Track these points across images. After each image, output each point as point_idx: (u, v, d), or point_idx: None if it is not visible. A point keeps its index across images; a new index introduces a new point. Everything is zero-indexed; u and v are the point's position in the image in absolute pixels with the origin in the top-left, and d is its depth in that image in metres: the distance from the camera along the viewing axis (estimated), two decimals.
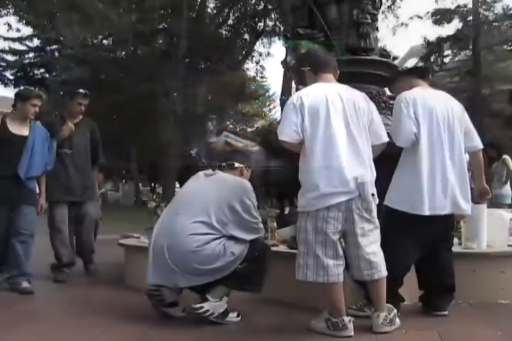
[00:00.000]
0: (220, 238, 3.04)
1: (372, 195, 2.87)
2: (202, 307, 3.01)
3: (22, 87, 28.15)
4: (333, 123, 2.85)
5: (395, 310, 2.91)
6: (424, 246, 3.17)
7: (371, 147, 2.96)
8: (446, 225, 3.27)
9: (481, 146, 3.41)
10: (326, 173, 2.80)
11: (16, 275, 4.04)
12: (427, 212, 3.08)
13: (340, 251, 2.85)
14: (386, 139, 3.06)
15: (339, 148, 2.83)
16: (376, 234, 2.92)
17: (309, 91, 2.96)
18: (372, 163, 2.94)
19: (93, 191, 4.98)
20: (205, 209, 3.09)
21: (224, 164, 3.45)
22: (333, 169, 2.80)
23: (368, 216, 2.85)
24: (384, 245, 2.98)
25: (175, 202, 3.32)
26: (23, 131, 4.15)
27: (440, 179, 3.12)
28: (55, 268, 4.72)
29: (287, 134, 2.88)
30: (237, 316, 3.15)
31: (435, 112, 3.17)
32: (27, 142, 4.10)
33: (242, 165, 3.48)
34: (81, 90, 4.85)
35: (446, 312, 3.23)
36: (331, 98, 2.90)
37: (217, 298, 3.04)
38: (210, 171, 3.41)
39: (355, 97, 2.99)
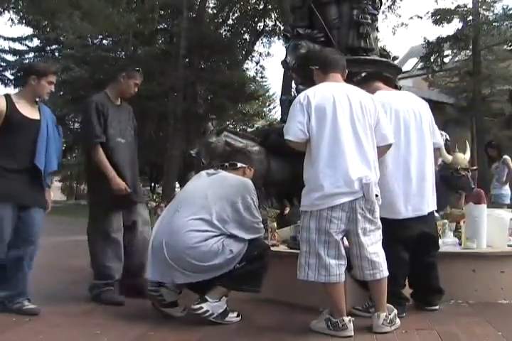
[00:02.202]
0: (219, 236, 3.05)
1: (376, 195, 2.86)
2: (201, 308, 3.01)
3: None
4: (340, 123, 2.85)
5: (396, 311, 2.91)
6: (408, 248, 3.19)
7: (376, 148, 2.95)
8: (425, 226, 3.27)
9: (442, 144, 3.56)
10: (331, 173, 2.79)
11: (15, 295, 3.30)
12: (401, 216, 3.13)
13: (343, 251, 2.85)
14: (392, 141, 3.04)
15: (345, 148, 2.82)
16: (378, 235, 2.92)
17: (316, 91, 2.95)
18: (377, 164, 2.93)
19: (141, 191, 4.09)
20: (206, 206, 3.09)
21: (227, 164, 3.45)
22: (338, 169, 2.80)
23: (370, 216, 2.85)
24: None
25: (176, 199, 3.32)
26: (33, 114, 3.35)
27: (415, 180, 3.17)
28: (98, 287, 3.70)
29: (293, 133, 2.88)
30: (237, 316, 3.14)
31: (401, 114, 3.21)
32: (40, 128, 3.33)
33: (244, 165, 3.46)
34: (138, 68, 4.02)
35: (437, 307, 3.30)
36: (338, 98, 2.89)
37: (216, 299, 3.04)
38: (212, 170, 3.41)
39: (363, 98, 2.98)
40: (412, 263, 3.21)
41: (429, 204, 3.28)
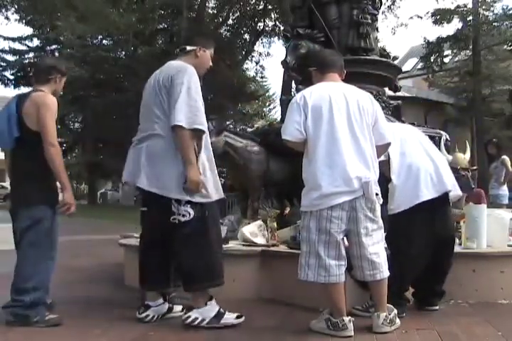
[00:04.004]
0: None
1: (376, 194, 2.86)
2: (189, 317, 2.91)
3: (22, 87, 28.28)
4: (336, 122, 2.85)
5: (396, 310, 2.91)
6: (430, 246, 3.19)
7: (375, 147, 2.94)
8: (444, 218, 3.29)
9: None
10: (329, 173, 2.79)
11: (36, 303, 3.04)
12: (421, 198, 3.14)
13: (343, 251, 2.84)
14: (389, 140, 3.03)
15: (342, 148, 2.82)
16: (380, 235, 2.91)
17: (313, 91, 2.95)
18: (376, 163, 2.93)
19: None
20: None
21: (177, 49, 3.21)
22: (336, 168, 2.80)
23: (371, 215, 2.84)
24: (395, 256, 3.03)
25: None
26: None
27: (424, 171, 3.20)
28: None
29: (290, 133, 2.88)
30: (238, 318, 3.00)
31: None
32: None
33: (195, 47, 3.16)
34: None
35: (437, 307, 3.32)
36: (334, 97, 2.89)
37: (201, 304, 2.95)
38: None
39: (360, 97, 2.97)
40: (426, 265, 3.21)
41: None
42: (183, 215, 2.93)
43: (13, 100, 3.23)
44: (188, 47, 3.16)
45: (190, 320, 2.92)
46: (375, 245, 2.87)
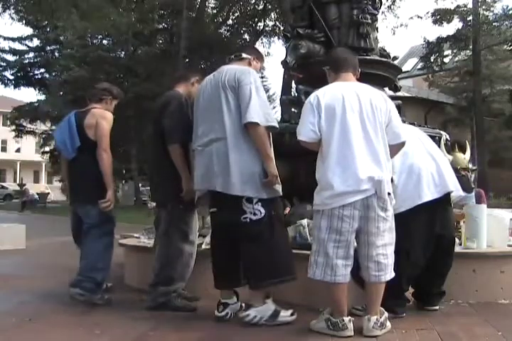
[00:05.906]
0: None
1: (389, 193, 2.84)
2: (248, 315, 2.99)
3: (22, 87, 28.33)
4: (349, 122, 2.84)
5: (386, 314, 2.87)
6: (430, 246, 3.19)
7: (389, 147, 2.92)
8: (445, 219, 3.29)
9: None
10: (341, 172, 2.79)
11: (103, 281, 3.74)
12: (423, 199, 3.15)
13: (351, 251, 2.83)
14: (404, 139, 3.00)
15: (354, 147, 2.81)
16: (391, 237, 2.88)
17: (326, 91, 2.95)
18: (389, 163, 2.90)
19: None
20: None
21: (232, 56, 3.33)
22: (348, 168, 2.79)
23: (384, 215, 2.82)
24: (395, 256, 2.98)
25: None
26: None
27: (426, 171, 3.21)
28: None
29: (305, 134, 2.88)
30: (292, 315, 3.07)
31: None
32: None
33: (250, 56, 3.32)
34: None
35: (437, 307, 3.32)
36: (347, 97, 2.88)
37: (260, 303, 3.01)
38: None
39: (373, 96, 2.95)
40: (426, 265, 3.20)
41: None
42: (255, 214, 2.99)
43: (71, 115, 3.76)
44: (244, 55, 3.32)
45: (249, 318, 2.99)
46: (385, 246, 2.84)
